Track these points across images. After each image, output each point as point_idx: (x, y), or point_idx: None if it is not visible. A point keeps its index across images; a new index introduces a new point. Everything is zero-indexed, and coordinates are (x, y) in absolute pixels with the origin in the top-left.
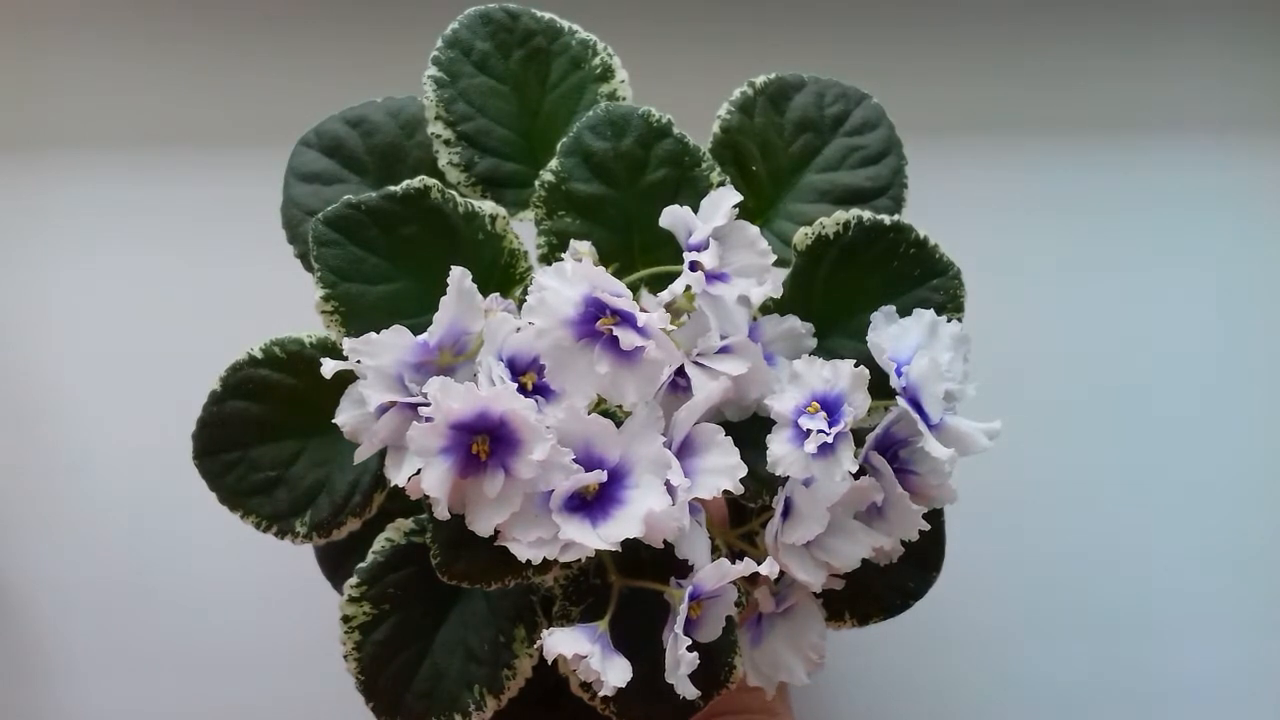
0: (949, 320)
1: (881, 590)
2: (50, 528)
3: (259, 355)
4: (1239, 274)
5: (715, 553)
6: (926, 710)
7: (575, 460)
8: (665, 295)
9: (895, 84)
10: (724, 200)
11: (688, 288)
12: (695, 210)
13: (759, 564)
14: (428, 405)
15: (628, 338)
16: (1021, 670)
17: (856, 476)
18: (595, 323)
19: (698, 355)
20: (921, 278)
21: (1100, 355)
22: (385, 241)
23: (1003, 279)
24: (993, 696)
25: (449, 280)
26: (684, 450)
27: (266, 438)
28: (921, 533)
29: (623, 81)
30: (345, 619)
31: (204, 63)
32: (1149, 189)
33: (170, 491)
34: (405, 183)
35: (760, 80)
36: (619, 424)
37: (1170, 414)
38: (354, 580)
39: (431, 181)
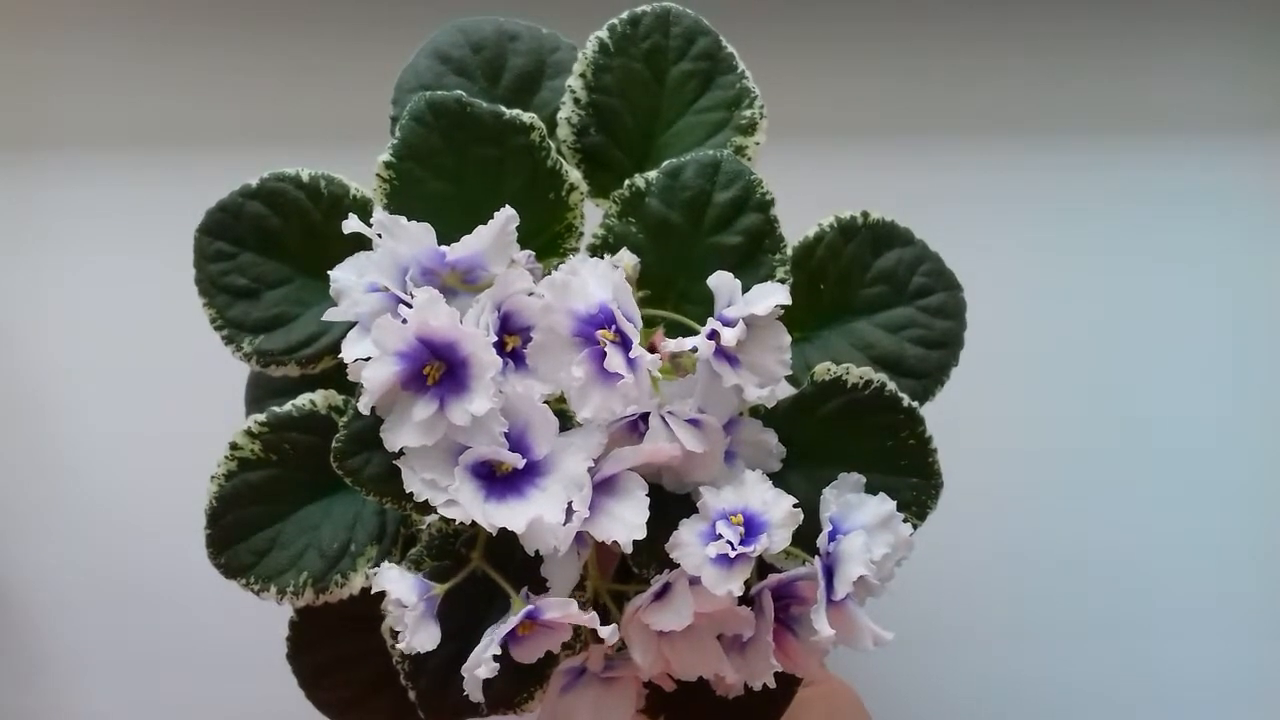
0: (905, 521)
1: (709, 712)
2: (50, 528)
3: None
4: (1239, 273)
5: (581, 591)
6: (925, 713)
7: (506, 435)
8: (672, 345)
9: (895, 84)
10: (773, 296)
11: (695, 349)
12: (745, 289)
13: (607, 625)
14: (410, 308)
15: (614, 360)
16: (1017, 673)
17: (743, 604)
18: (597, 329)
19: (668, 412)
20: (906, 470)
21: (1097, 355)
22: (467, 151)
23: (1001, 278)
24: (989, 700)
25: (496, 215)
26: (603, 486)
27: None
28: (767, 688)
29: (757, 144)
30: (232, 445)
31: (205, 63)
32: (1149, 189)
33: (170, 491)
34: (516, 112)
35: (875, 215)
36: (565, 427)
37: (1169, 414)
38: (261, 417)
39: (540, 125)
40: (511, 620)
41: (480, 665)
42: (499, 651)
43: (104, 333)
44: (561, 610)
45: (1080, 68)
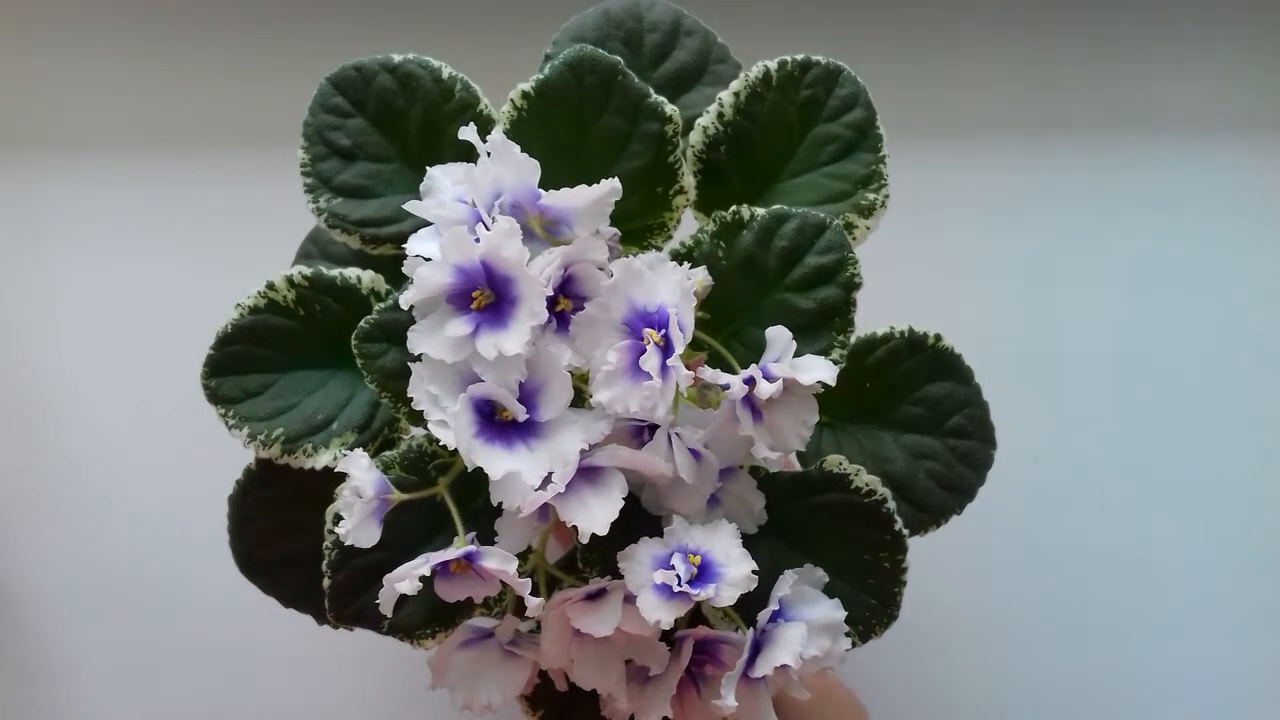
0: (847, 635)
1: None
2: (50, 528)
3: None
4: (1239, 273)
5: (522, 562)
6: (925, 713)
7: (520, 385)
8: (709, 374)
9: (895, 82)
10: (820, 370)
11: (727, 387)
12: (798, 354)
13: (535, 602)
14: (488, 230)
15: (650, 360)
16: (1019, 673)
17: (665, 641)
18: (645, 327)
19: (675, 432)
20: (870, 590)
21: (1098, 355)
22: (603, 115)
23: (1000, 277)
24: (990, 699)
25: (604, 181)
26: (587, 472)
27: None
28: None
29: (868, 229)
30: (269, 285)
31: (204, 63)
32: (1149, 189)
33: (170, 491)
34: (662, 99)
35: (945, 342)
36: (575, 404)
37: (1169, 413)
38: (307, 271)
39: (678, 120)
40: (451, 551)
41: (405, 580)
42: (426, 573)
43: (104, 332)
44: (499, 563)
45: (1080, 68)
